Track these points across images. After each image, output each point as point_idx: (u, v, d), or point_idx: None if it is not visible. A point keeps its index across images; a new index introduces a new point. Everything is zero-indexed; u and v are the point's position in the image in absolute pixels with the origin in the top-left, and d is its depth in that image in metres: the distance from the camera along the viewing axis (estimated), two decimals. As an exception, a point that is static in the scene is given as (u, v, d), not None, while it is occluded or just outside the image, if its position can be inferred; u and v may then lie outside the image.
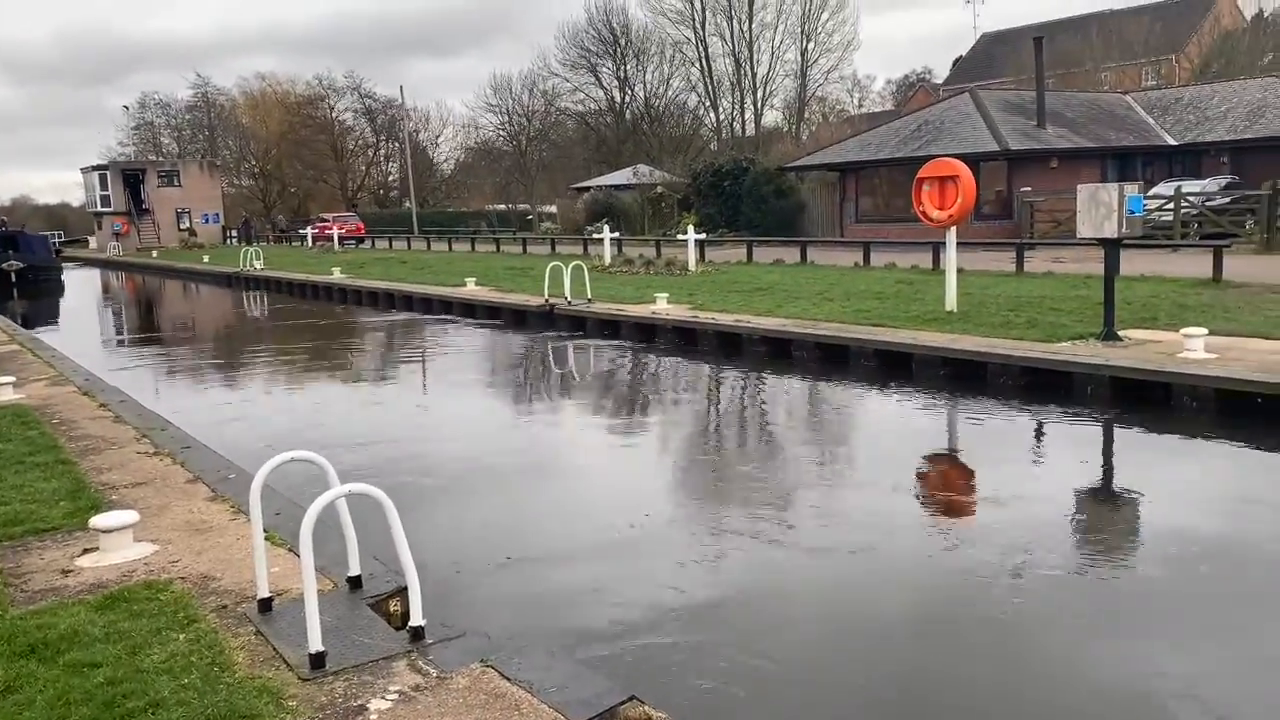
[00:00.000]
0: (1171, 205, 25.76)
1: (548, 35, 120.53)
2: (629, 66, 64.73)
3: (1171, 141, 33.98)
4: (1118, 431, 9.96)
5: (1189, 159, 33.77)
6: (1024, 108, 34.01)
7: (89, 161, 79.70)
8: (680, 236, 27.77)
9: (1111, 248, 12.42)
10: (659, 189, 46.44)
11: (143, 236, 65.76)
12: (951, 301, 15.27)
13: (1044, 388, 11.25)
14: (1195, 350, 10.81)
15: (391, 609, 5.05)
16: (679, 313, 17.16)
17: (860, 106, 71.41)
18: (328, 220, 56.87)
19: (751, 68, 59.62)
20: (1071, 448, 9.47)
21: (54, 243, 59.42)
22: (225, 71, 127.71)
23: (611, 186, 50.50)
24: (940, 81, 74.94)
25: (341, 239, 49.72)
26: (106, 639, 4.63)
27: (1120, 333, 12.21)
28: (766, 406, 12.53)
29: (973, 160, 22.78)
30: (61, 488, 7.22)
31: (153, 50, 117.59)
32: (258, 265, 36.86)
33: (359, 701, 4.01)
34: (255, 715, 3.91)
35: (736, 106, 61.47)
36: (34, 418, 9.96)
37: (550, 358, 16.85)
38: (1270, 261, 20.27)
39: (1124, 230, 11.94)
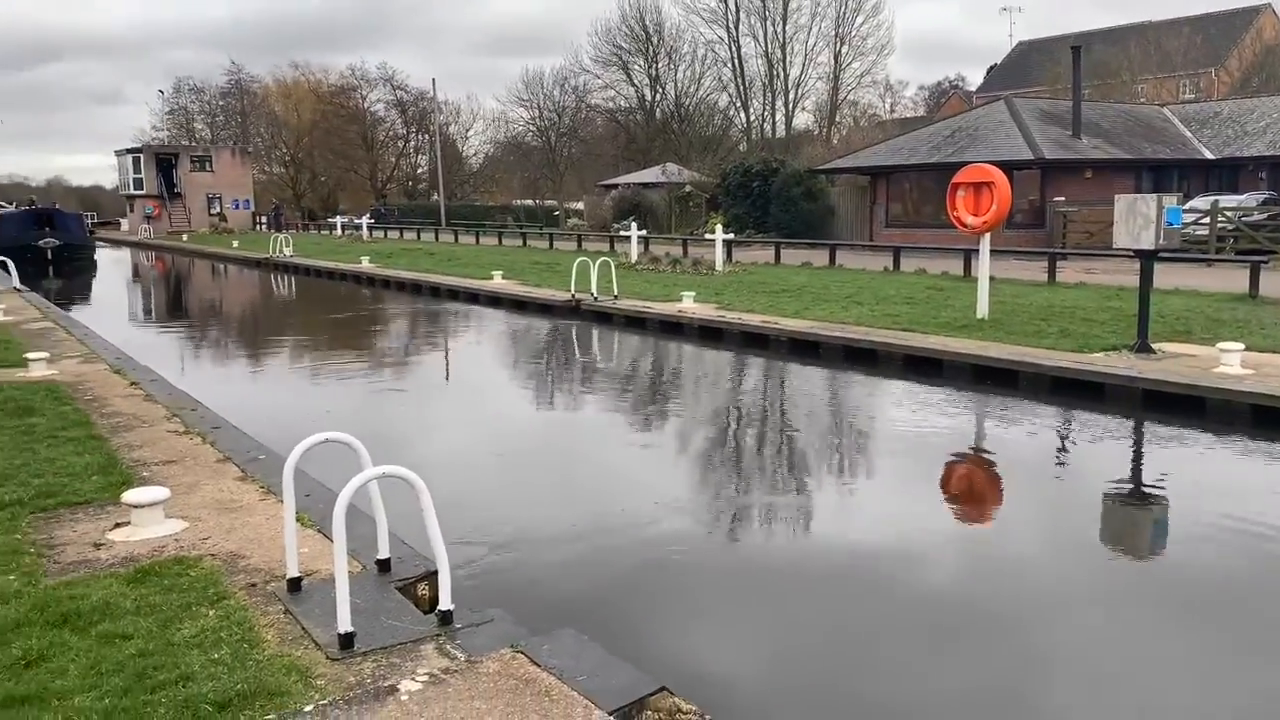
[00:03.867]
0: (1208, 220, 25.47)
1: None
2: (660, 65, 64.62)
3: (1209, 155, 33.60)
4: (1149, 443, 9.84)
5: (1226, 173, 33.39)
6: (1059, 117, 33.71)
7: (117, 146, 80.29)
8: (708, 236, 27.67)
9: (1148, 259, 12.27)
10: (687, 188, 46.34)
11: (174, 220, 66.28)
12: (983, 308, 15.15)
13: (1075, 398, 11.13)
14: (1231, 365, 10.68)
15: (420, 593, 5.05)
16: (705, 312, 17.11)
17: (893, 111, 71.11)
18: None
19: (784, 69, 59.45)
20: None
21: (87, 223, 60.03)
22: (153, 64, 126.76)
23: (640, 184, 50.46)
24: (974, 89, 74.47)
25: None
26: (138, 612, 4.66)
27: (1154, 345, 12.08)
28: (790, 405, 12.45)
29: (1006, 168, 22.45)
30: (94, 462, 7.27)
31: (75, 41, 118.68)
32: (287, 252, 37.13)
33: (389, 682, 4.00)
34: (284, 692, 3.92)
35: (768, 108, 61.29)
36: (66, 394, 10.05)
37: (575, 351, 16.84)
38: (1307, 279, 19.95)
39: (1161, 242, 11.80)
